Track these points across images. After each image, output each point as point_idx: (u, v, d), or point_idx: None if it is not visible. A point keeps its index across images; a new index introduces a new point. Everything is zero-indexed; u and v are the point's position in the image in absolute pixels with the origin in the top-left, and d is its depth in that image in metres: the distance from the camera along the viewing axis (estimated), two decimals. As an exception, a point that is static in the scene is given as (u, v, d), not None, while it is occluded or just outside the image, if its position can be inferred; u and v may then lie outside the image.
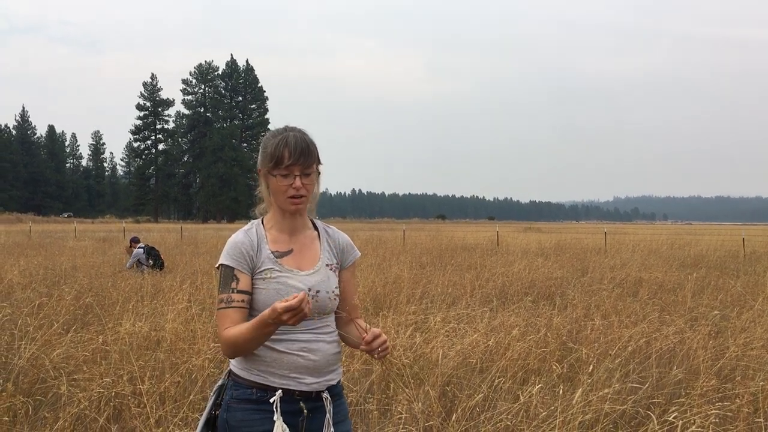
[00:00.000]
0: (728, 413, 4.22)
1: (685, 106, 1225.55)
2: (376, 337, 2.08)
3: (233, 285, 2.11)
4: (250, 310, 2.13)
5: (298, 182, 2.14)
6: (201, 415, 2.25)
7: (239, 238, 2.18)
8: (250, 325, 2.02)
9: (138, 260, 13.84)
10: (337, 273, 2.30)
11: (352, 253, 2.37)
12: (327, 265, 2.26)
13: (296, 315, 1.91)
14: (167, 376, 4.74)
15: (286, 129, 2.19)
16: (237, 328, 2.06)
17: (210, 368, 4.97)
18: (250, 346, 2.06)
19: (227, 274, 2.13)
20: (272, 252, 2.18)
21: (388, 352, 2.12)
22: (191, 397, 4.42)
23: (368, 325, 2.12)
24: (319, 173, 2.22)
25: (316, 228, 2.34)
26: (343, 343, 2.29)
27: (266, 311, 1.97)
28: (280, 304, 1.91)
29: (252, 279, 2.14)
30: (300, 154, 2.13)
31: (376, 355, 2.09)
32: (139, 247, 14.06)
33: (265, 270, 2.14)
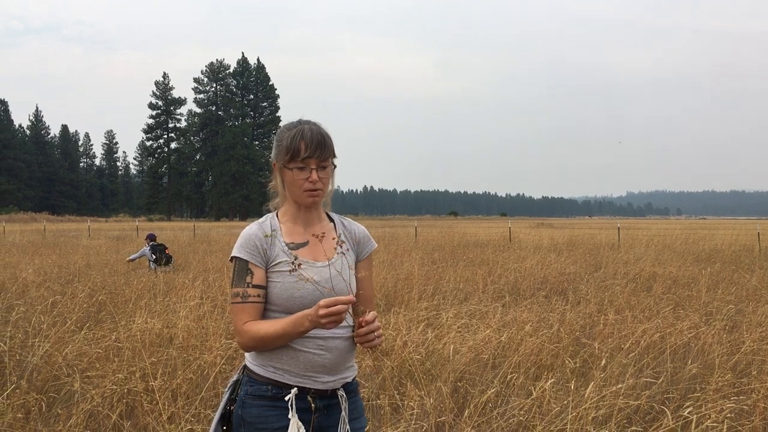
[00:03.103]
0: (744, 407, 4.17)
1: (698, 100, 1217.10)
2: (373, 320, 2.05)
3: (248, 279, 2.08)
4: (266, 303, 2.11)
5: (314, 175, 2.11)
6: (214, 411, 2.24)
7: (253, 231, 2.14)
8: (284, 322, 2.01)
9: (146, 256, 13.97)
10: (353, 264, 2.28)
11: (369, 245, 2.33)
12: (343, 254, 2.23)
13: (335, 320, 1.92)
14: (179, 372, 4.75)
15: (301, 122, 2.17)
16: (265, 325, 2.03)
17: (222, 365, 4.97)
18: (278, 343, 2.05)
19: (241, 267, 2.10)
20: (287, 244, 2.15)
21: (380, 342, 2.08)
22: (203, 393, 4.43)
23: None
24: (335, 166, 2.19)
25: (331, 220, 2.31)
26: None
27: (309, 310, 1.96)
28: (322, 310, 1.90)
29: (266, 272, 2.12)
30: (316, 146, 2.10)
31: (366, 343, 2.05)
32: (150, 244, 14.17)
33: (279, 262, 2.12)
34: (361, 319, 2.05)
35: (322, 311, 1.91)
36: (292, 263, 2.12)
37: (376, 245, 2.39)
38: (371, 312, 2.06)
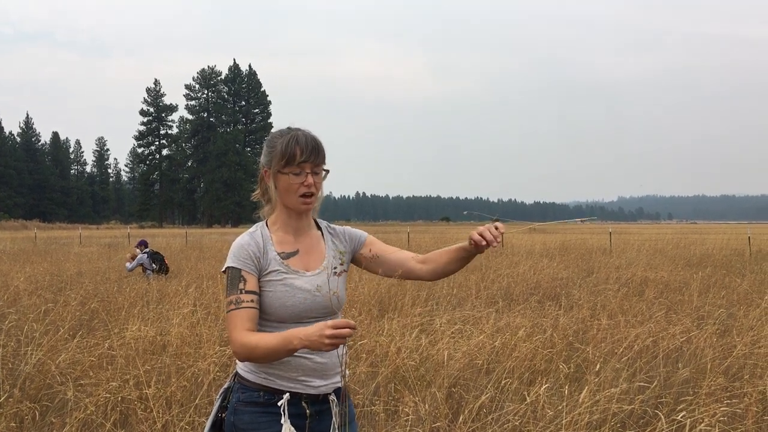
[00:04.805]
0: (737, 410, 4.20)
1: (688, 104, 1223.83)
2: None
3: (241, 286, 2.08)
4: (259, 312, 2.11)
5: (310, 179, 2.13)
6: (207, 418, 2.24)
7: (245, 240, 2.16)
8: (275, 338, 1.98)
9: (142, 265, 13.82)
10: (345, 272, 2.31)
11: (360, 236, 2.38)
12: (333, 266, 2.25)
13: (339, 344, 1.89)
14: (173, 380, 4.74)
15: (291, 129, 2.19)
16: (256, 337, 2.01)
17: (216, 372, 4.96)
18: (267, 357, 2.01)
19: (234, 275, 2.10)
20: (278, 253, 2.16)
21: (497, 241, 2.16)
22: (197, 401, 4.42)
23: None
24: (327, 172, 2.21)
25: (319, 227, 2.33)
26: (349, 346, 2.28)
27: (301, 329, 1.93)
28: (329, 330, 1.86)
29: (259, 281, 2.12)
30: (311, 151, 2.12)
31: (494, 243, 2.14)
32: (144, 251, 14.04)
33: (271, 272, 2.13)
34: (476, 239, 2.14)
35: (329, 332, 1.86)
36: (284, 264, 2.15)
37: (367, 234, 2.42)
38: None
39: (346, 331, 1.87)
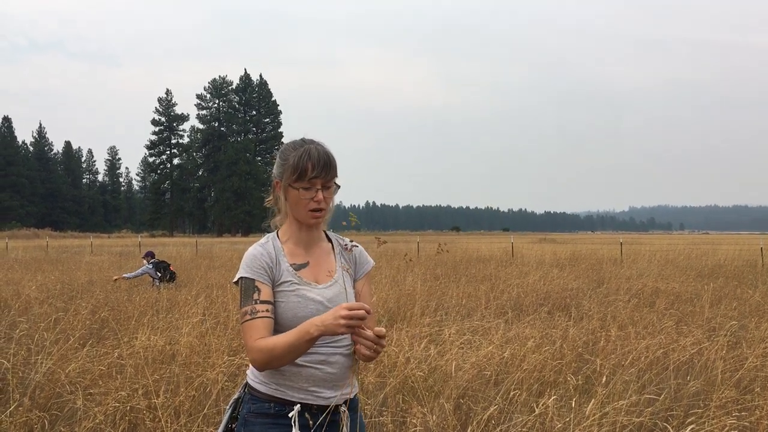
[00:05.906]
0: (747, 423, 4.16)
1: (700, 113, 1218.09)
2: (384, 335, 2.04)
3: (255, 296, 2.07)
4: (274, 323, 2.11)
5: (320, 195, 2.12)
6: (216, 428, 2.24)
7: (257, 251, 2.15)
8: (291, 332, 1.98)
9: (149, 275, 13.88)
10: (352, 283, 2.30)
11: (366, 264, 2.35)
12: (343, 273, 2.26)
13: (355, 325, 1.91)
14: (182, 389, 4.75)
15: (305, 141, 2.18)
16: (274, 338, 2.00)
17: (224, 382, 4.97)
18: (288, 356, 1.99)
19: (248, 286, 2.09)
20: (290, 265, 2.16)
21: (377, 357, 2.06)
22: (206, 410, 4.42)
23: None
24: (338, 186, 2.21)
25: (329, 239, 2.33)
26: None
27: (317, 317, 1.95)
28: (344, 311, 1.89)
29: (273, 291, 2.12)
30: (323, 167, 2.12)
31: (370, 352, 2.00)
32: (150, 262, 14.10)
33: (284, 282, 2.13)
34: (377, 329, 2.03)
35: (344, 312, 1.89)
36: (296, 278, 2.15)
37: (374, 263, 2.41)
38: (382, 328, 2.08)
39: (362, 312, 1.90)
